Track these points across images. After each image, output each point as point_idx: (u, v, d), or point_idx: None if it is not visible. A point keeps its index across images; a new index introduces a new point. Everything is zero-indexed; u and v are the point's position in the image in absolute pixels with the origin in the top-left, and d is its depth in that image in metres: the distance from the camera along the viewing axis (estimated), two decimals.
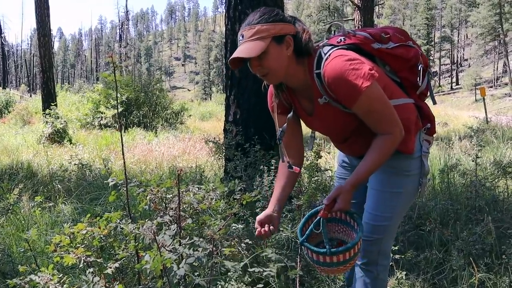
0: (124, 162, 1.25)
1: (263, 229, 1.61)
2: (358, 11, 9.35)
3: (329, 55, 1.53)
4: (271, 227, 1.65)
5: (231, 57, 1.51)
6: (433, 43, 63.47)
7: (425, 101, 1.81)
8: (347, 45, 1.60)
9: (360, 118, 1.57)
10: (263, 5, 3.35)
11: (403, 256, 2.51)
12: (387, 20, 66.88)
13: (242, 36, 1.52)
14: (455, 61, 66.47)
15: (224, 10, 3.75)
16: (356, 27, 9.54)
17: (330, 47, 1.59)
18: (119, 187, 1.31)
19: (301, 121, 1.78)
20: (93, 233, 1.19)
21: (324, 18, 66.69)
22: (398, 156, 1.63)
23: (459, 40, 71.53)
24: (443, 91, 56.58)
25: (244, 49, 1.49)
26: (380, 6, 53.18)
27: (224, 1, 3.85)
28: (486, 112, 14.02)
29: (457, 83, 59.95)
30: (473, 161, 3.65)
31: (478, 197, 3.31)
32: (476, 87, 42.85)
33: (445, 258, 2.63)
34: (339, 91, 1.50)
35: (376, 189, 1.68)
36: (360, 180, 1.55)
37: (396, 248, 2.45)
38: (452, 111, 28.72)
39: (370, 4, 9.43)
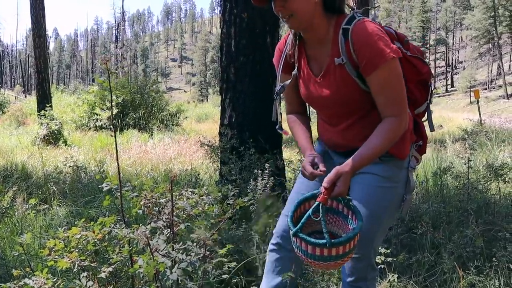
0: (118, 167, 1.27)
1: (319, 170, 1.51)
2: None
3: (362, 18, 1.50)
4: (323, 168, 1.52)
5: None
6: (428, 45, 63.88)
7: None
8: None
9: (367, 98, 1.51)
10: (258, 9, 3.37)
11: (395, 259, 2.53)
12: (382, 23, 67.12)
13: None
14: (450, 64, 66.87)
15: (220, 12, 3.78)
16: None
17: (362, 15, 1.55)
18: (113, 191, 1.33)
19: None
20: (87, 238, 1.20)
21: None
22: (389, 163, 1.57)
23: (454, 43, 72.04)
24: (438, 94, 56.87)
25: None
26: (375, 9, 53.47)
27: (220, 3, 3.86)
28: (480, 114, 14.12)
29: (452, 85, 60.34)
30: (465, 164, 3.69)
31: (470, 200, 3.35)
32: (471, 89, 43.12)
33: (437, 261, 2.65)
34: (364, 52, 1.44)
35: (364, 201, 1.57)
36: (362, 163, 1.47)
37: (389, 251, 2.47)
38: (447, 113, 28.94)
39: (365, 7, 9.49)
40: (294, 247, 1.45)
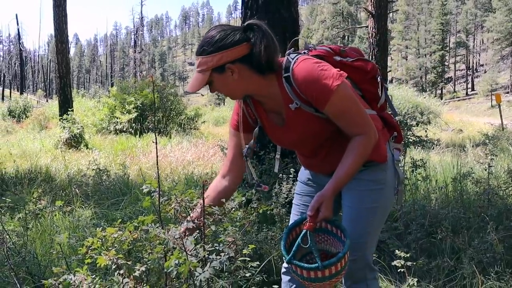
0: (158, 172, 1.34)
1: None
2: (372, 18, 9.38)
3: (297, 59, 1.56)
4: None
5: (185, 89, 1.57)
6: (448, 48, 62.98)
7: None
8: (312, 55, 1.62)
9: (334, 124, 1.57)
10: (278, 16, 3.44)
11: (415, 263, 2.55)
12: (401, 26, 66.54)
13: None
14: (470, 67, 65.75)
15: (238, 16, 3.85)
16: (370, 34, 9.56)
17: (296, 54, 1.61)
18: (152, 194, 1.40)
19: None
20: (123, 237, 1.28)
21: (338, 23, 66.69)
22: (373, 168, 1.64)
23: (475, 46, 70.79)
24: (458, 97, 56.01)
25: (192, 81, 1.56)
26: (394, 12, 52.97)
27: (239, 8, 3.92)
28: (501, 118, 13.89)
29: (473, 89, 59.29)
30: (486, 169, 3.67)
31: (490, 206, 3.33)
32: (492, 93, 42.30)
33: (457, 266, 2.66)
34: (310, 92, 1.51)
35: (351, 207, 1.67)
36: (340, 185, 1.55)
37: (408, 255, 2.49)
38: (467, 118, 28.46)
39: (384, 11, 9.46)
40: (291, 272, 1.54)
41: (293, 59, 1.57)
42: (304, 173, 1.88)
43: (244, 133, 1.73)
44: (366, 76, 1.70)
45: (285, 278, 1.82)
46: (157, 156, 1.34)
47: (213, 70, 1.52)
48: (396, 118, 1.82)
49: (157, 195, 1.43)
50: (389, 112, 1.82)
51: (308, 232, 1.49)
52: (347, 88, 1.53)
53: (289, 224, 1.62)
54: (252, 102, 1.70)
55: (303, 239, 1.50)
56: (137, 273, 1.22)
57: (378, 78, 1.72)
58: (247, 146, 1.71)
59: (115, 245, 1.28)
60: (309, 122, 1.59)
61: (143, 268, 1.23)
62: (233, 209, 1.44)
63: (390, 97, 1.80)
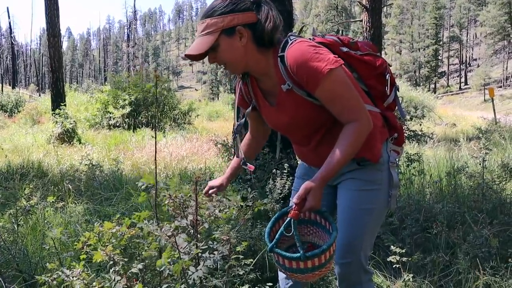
0: (156, 167, 1.31)
1: (209, 191, 1.69)
2: (366, 12, 9.33)
3: (294, 40, 1.54)
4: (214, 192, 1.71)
5: (185, 53, 1.54)
6: (441, 42, 63.16)
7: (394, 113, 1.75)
8: (316, 42, 1.58)
9: (326, 110, 1.53)
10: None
11: (410, 259, 2.54)
12: (395, 20, 66.57)
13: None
14: (463, 61, 66.00)
15: None
16: (364, 28, 9.52)
17: (296, 36, 1.58)
18: (149, 189, 1.37)
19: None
20: (120, 233, 1.25)
21: (332, 17, 66.57)
22: (369, 167, 1.60)
23: (468, 40, 71.03)
24: (452, 91, 56.24)
25: (195, 45, 1.52)
26: (388, 6, 52.89)
27: None
28: (495, 112, 13.93)
29: (466, 83, 59.56)
30: (480, 163, 3.67)
31: (485, 200, 3.33)
32: (485, 87, 42.50)
33: (452, 261, 2.65)
34: (301, 74, 1.48)
35: (346, 207, 1.62)
36: (330, 174, 1.48)
37: (404, 250, 2.48)
38: (461, 112, 28.59)
39: (378, 5, 9.40)
40: (274, 261, 1.49)
41: (291, 40, 1.55)
42: (300, 168, 1.85)
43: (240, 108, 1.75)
44: (374, 72, 1.66)
45: (281, 275, 1.80)
46: (155, 152, 1.30)
47: (223, 32, 1.50)
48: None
49: (153, 191, 1.39)
50: (397, 114, 1.76)
51: (292, 220, 1.44)
52: (341, 73, 1.49)
53: (277, 213, 1.58)
54: (250, 80, 1.69)
55: (287, 228, 1.45)
56: (134, 270, 1.19)
57: (387, 76, 1.67)
58: (238, 123, 1.70)
59: (112, 240, 1.24)
60: (301, 105, 1.56)
61: (140, 266, 1.20)
62: (229, 207, 1.41)
63: (400, 99, 1.74)
